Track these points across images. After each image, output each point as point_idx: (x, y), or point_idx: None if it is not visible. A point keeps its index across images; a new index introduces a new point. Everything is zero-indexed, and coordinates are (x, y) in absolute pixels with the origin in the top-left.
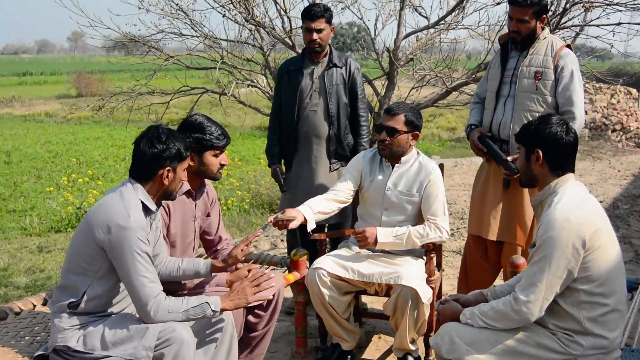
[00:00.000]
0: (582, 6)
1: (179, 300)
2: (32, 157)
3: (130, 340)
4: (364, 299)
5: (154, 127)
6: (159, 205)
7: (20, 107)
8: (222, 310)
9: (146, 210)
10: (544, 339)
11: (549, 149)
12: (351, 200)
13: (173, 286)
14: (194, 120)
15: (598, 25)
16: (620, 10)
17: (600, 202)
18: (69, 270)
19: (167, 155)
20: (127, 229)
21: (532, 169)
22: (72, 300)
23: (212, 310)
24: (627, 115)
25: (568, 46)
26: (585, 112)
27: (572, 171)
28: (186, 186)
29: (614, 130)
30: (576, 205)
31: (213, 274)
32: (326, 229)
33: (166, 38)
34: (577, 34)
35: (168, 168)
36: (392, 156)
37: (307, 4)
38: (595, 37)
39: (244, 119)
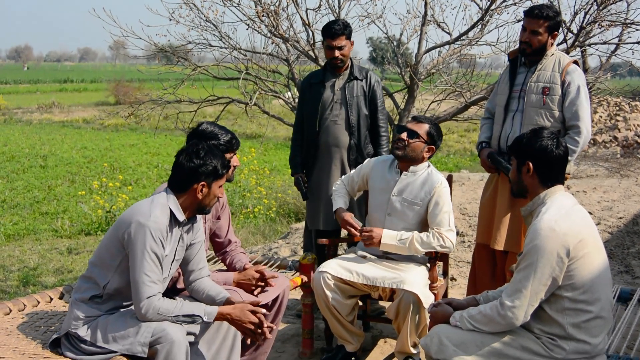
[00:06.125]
0: (599, 25)
1: (173, 304)
2: (67, 162)
3: (127, 336)
4: (380, 303)
5: (195, 142)
6: (193, 218)
7: (59, 113)
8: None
9: (175, 219)
10: (528, 342)
11: (539, 161)
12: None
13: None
14: (205, 129)
15: (617, 44)
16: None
17: (620, 218)
18: (94, 264)
19: (203, 170)
20: (145, 226)
21: (522, 179)
22: (93, 293)
23: (204, 321)
24: None
25: (575, 62)
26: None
27: (562, 183)
28: None
29: None
30: (562, 216)
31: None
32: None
33: (196, 49)
34: (612, 53)
35: (203, 183)
36: (404, 159)
37: (331, 18)
38: (614, 54)
39: (277, 129)
